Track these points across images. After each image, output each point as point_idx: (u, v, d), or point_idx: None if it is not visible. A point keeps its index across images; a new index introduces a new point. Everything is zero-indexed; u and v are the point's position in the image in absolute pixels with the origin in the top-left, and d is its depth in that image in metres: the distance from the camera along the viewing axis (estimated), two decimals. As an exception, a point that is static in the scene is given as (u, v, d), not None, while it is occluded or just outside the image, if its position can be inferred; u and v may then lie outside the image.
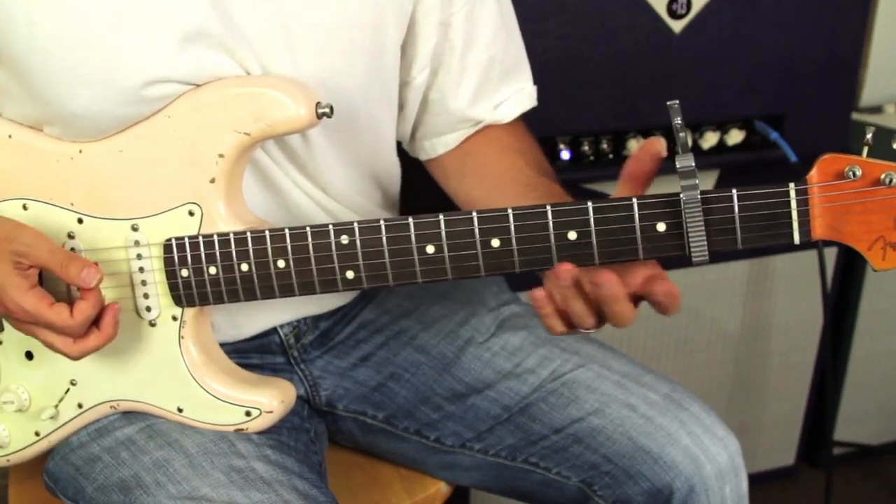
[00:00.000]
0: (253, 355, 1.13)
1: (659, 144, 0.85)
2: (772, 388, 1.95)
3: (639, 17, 1.55)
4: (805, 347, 1.92)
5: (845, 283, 1.91)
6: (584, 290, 0.86)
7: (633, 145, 1.63)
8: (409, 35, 1.07)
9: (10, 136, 0.97)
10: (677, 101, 0.83)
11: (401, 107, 1.13)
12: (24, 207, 0.98)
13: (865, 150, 0.81)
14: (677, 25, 1.57)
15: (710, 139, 1.67)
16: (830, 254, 1.82)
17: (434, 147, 1.16)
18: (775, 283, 1.84)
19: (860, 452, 2.10)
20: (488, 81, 1.12)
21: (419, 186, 1.22)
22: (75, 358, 0.93)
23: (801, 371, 1.95)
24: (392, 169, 1.16)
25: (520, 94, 1.15)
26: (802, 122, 1.68)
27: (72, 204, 0.97)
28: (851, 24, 1.67)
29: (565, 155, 1.61)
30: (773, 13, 1.61)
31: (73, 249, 0.97)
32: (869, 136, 0.80)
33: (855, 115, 1.77)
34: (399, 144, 1.18)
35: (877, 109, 1.81)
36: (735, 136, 1.68)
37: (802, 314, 1.87)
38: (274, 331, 1.13)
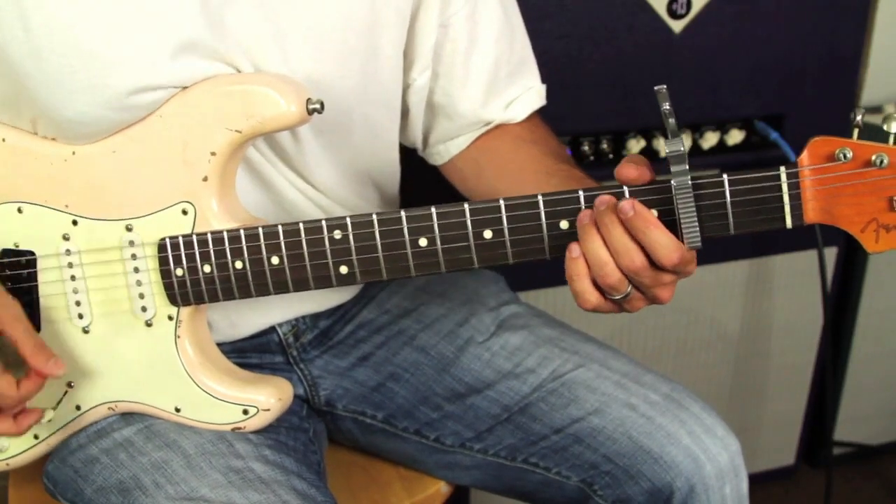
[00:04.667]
0: (252, 355, 1.12)
1: (626, 172, 0.85)
2: (772, 388, 1.94)
3: (639, 17, 1.55)
4: (805, 347, 1.92)
5: (845, 283, 1.91)
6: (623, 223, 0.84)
7: (633, 145, 1.63)
8: (409, 37, 1.07)
9: (3, 140, 0.97)
10: (665, 86, 0.82)
11: (406, 111, 1.13)
12: (19, 211, 0.97)
13: (856, 132, 0.80)
14: (677, 25, 1.57)
15: (710, 139, 1.67)
16: (830, 254, 1.82)
17: (448, 150, 1.15)
18: (775, 283, 1.84)
19: (860, 452, 2.10)
20: (496, 81, 1.11)
21: (418, 187, 1.22)
22: None
23: (801, 371, 1.95)
24: (391, 171, 1.16)
25: (529, 93, 1.14)
26: (802, 122, 1.69)
27: (66, 206, 0.97)
28: (851, 24, 1.67)
29: (565, 155, 1.61)
30: (773, 13, 1.61)
31: (68, 251, 0.97)
32: (859, 117, 0.80)
33: (852, 113, 1.76)
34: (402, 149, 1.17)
35: (877, 109, 1.81)
36: (735, 136, 1.68)
37: (802, 314, 1.87)
38: (273, 330, 1.13)
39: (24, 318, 0.92)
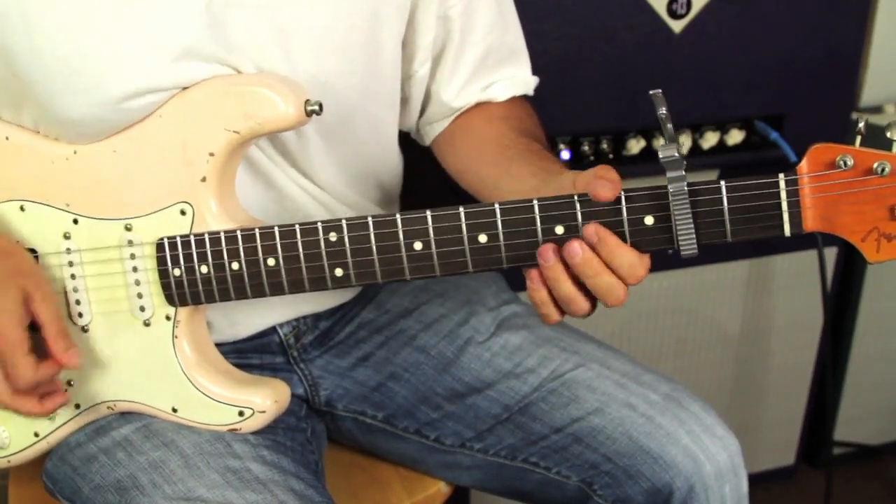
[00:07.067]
0: (252, 355, 1.12)
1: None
2: (772, 388, 1.94)
3: (639, 17, 1.55)
4: (805, 347, 1.92)
5: (845, 283, 1.91)
6: (568, 269, 0.85)
7: (633, 145, 1.63)
8: (409, 29, 1.07)
9: (7, 139, 0.97)
10: (660, 91, 0.82)
11: (405, 100, 1.14)
12: (22, 209, 0.98)
13: (858, 139, 0.79)
14: (677, 25, 1.57)
15: (710, 139, 1.67)
16: (830, 254, 1.82)
17: (433, 130, 1.17)
18: (775, 283, 1.84)
19: (860, 452, 2.10)
20: (480, 70, 1.13)
21: (420, 183, 1.22)
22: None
23: (801, 371, 1.95)
24: (393, 167, 1.17)
25: (511, 80, 1.15)
26: (802, 122, 1.68)
27: (67, 205, 0.97)
28: (851, 24, 1.67)
29: (565, 155, 1.61)
30: (773, 13, 1.61)
31: (68, 250, 0.97)
32: (861, 124, 0.78)
33: (855, 115, 1.76)
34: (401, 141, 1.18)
35: (877, 109, 1.81)
36: (735, 136, 1.68)
37: (802, 314, 1.87)
38: (273, 330, 1.13)
39: (55, 300, 0.92)
